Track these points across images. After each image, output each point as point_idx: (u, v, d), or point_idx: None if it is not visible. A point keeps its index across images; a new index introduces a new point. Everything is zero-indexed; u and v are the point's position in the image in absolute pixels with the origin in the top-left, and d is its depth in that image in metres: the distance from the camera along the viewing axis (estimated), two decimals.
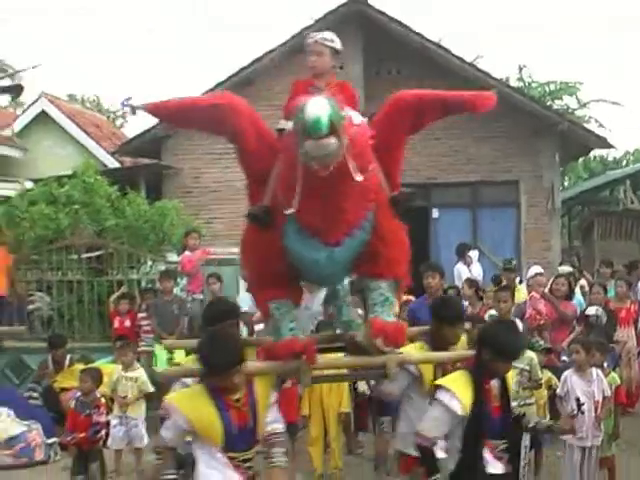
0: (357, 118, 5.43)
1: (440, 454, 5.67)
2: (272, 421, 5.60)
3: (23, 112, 26.30)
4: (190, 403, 5.34)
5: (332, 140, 4.95)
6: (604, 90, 67.26)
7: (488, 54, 65.21)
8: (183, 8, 74.80)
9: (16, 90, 7.75)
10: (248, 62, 19.97)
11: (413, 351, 6.33)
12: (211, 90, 19.31)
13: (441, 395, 5.75)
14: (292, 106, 5.16)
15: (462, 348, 6.57)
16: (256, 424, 5.40)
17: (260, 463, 5.64)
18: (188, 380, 5.86)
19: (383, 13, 19.54)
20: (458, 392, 5.69)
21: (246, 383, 5.40)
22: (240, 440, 5.34)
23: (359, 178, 5.18)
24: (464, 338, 6.77)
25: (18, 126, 24.86)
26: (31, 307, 15.33)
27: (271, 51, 19.84)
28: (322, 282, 6.47)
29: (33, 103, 25.37)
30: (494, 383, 5.82)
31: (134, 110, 6.52)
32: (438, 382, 5.92)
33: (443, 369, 6.40)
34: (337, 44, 6.41)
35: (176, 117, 5.96)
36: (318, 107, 4.94)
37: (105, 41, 72.92)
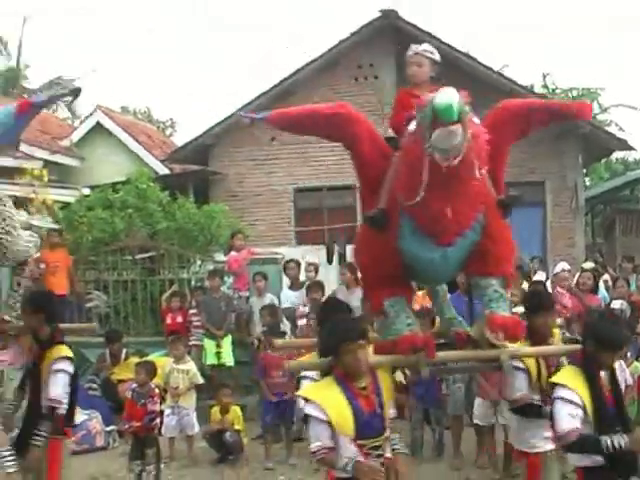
0: (476, 119, 5.33)
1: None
2: (394, 412, 5.56)
3: (80, 124, 26.56)
4: (322, 393, 5.23)
5: (460, 128, 4.86)
6: (624, 95, 66.52)
7: (510, 61, 64.32)
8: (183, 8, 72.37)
9: (74, 92, 7.77)
10: (289, 73, 20.04)
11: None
12: (255, 100, 19.44)
13: (561, 392, 5.58)
14: (419, 104, 5.05)
15: (557, 341, 6.56)
16: (383, 410, 5.28)
17: None
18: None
19: (414, 25, 19.52)
20: (575, 387, 5.54)
21: (370, 372, 5.33)
22: (369, 427, 5.20)
23: (479, 175, 5.13)
24: (558, 331, 6.75)
25: (76, 137, 25.06)
26: (89, 305, 15.45)
27: (311, 62, 19.90)
28: (435, 281, 6.43)
29: (89, 115, 25.63)
30: (603, 374, 5.67)
31: (253, 121, 6.65)
32: (553, 380, 5.78)
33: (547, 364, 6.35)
34: (436, 55, 6.34)
35: (295, 125, 6.05)
36: (449, 95, 4.86)
37: (159, 53, 72.66)
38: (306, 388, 5.73)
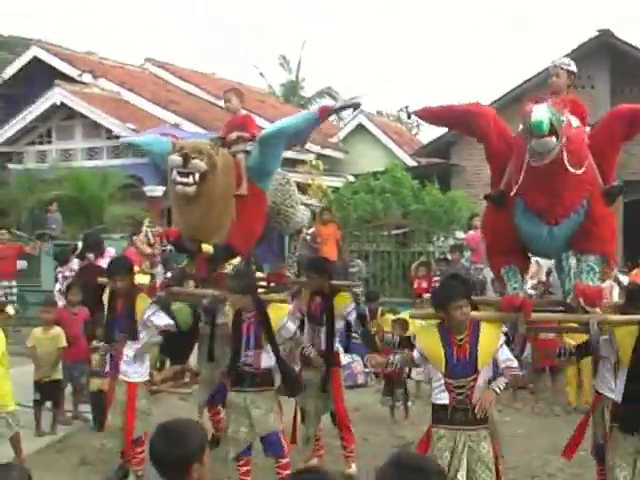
0: (575, 123, 5.42)
1: None
2: (505, 359, 5.51)
3: (345, 125, 27.12)
4: (426, 336, 5.52)
5: (551, 139, 5.04)
6: None
7: None
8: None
9: (356, 106, 8.02)
10: (519, 82, 19.55)
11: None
12: (491, 105, 19.09)
13: None
14: (523, 113, 5.19)
15: None
16: (475, 357, 5.34)
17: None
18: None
19: (627, 43, 18.56)
20: None
21: (472, 326, 5.40)
22: (457, 370, 5.34)
23: (573, 170, 5.21)
24: None
25: (342, 134, 25.64)
26: (352, 270, 15.80)
27: (537, 74, 19.31)
28: (544, 254, 6.40)
29: (353, 118, 26.10)
30: None
31: (409, 115, 6.76)
32: None
33: None
34: (572, 67, 6.25)
35: (437, 119, 6.30)
36: (540, 112, 5.01)
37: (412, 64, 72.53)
38: (420, 327, 6.04)
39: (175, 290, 7.24)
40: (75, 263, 12.26)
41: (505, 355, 5.55)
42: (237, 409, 6.45)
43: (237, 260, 8.37)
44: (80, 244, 12.43)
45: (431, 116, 6.26)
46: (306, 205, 8.73)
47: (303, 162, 19.80)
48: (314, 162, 19.52)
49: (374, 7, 71.75)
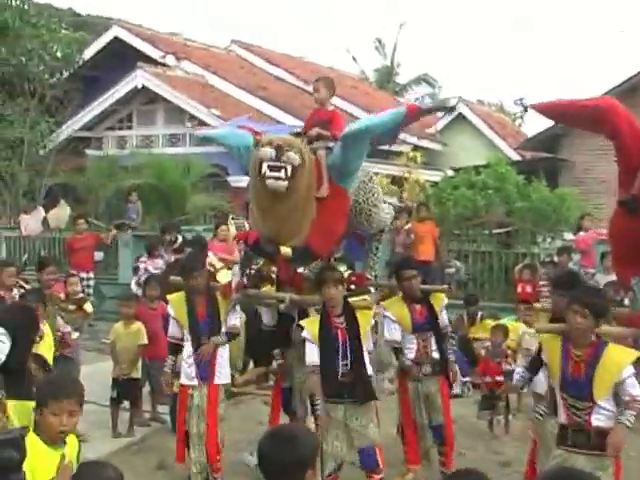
0: None
1: None
2: (629, 392, 5.16)
3: (443, 115, 26.89)
4: (550, 344, 5.46)
5: None
6: None
7: None
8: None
9: (449, 110, 8.00)
10: (634, 73, 19.05)
11: None
12: (606, 94, 18.65)
13: None
14: None
15: None
16: (591, 381, 5.16)
17: None
18: None
19: None
20: None
21: (595, 345, 5.22)
22: (572, 388, 5.22)
23: None
24: None
25: (440, 125, 25.45)
26: (448, 271, 15.67)
27: None
28: None
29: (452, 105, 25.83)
30: None
31: (525, 108, 6.55)
32: None
33: None
34: None
35: (558, 115, 6.19)
36: None
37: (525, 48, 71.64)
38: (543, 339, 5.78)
39: (252, 292, 7.36)
40: (159, 258, 12.53)
41: (629, 388, 5.19)
42: (334, 422, 6.48)
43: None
44: (180, 237, 12.67)
45: (551, 112, 6.08)
46: (388, 203, 8.71)
47: (399, 154, 19.73)
48: (411, 154, 19.43)
49: None
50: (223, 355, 7.05)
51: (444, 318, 7.52)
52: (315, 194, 6.76)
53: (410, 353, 7.28)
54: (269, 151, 6.42)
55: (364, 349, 6.54)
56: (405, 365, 7.28)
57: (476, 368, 10.87)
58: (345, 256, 8.52)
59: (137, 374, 8.84)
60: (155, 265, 12.63)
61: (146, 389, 9.32)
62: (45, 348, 6.55)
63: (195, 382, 6.98)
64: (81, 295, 9.50)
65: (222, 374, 7.05)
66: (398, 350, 7.32)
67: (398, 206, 14.83)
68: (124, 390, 8.72)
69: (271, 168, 6.40)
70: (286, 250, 6.76)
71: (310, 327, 6.63)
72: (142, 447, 8.47)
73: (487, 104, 38.06)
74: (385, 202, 8.31)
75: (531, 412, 7.04)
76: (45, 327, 6.65)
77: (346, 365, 6.42)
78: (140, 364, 8.89)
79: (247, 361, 10.62)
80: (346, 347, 6.45)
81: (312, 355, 6.53)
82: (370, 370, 6.61)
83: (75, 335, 8.78)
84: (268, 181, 6.43)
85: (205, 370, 6.96)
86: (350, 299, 6.80)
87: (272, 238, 6.82)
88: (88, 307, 9.16)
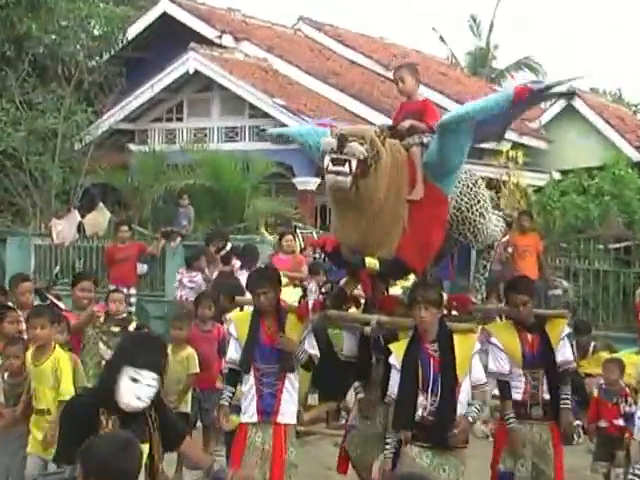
0: None
1: None
2: None
3: (550, 106, 26.58)
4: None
5: None
6: None
7: None
8: None
9: (570, 95, 7.89)
10: None
11: None
12: None
13: None
14: None
15: None
16: None
17: None
18: None
19: None
20: None
21: None
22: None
23: None
24: None
25: (545, 118, 25.16)
26: (554, 292, 15.48)
27: None
28: None
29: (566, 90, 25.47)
30: None
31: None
32: None
33: None
34: None
35: None
36: None
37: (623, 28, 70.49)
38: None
39: (333, 314, 7.28)
40: (198, 271, 12.66)
41: None
42: (414, 465, 6.38)
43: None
44: (228, 245, 12.77)
45: None
46: (501, 215, 8.62)
47: (496, 153, 19.58)
48: (511, 153, 19.26)
49: None
50: (290, 389, 7.03)
51: (565, 351, 7.36)
52: (407, 196, 6.74)
53: (516, 393, 7.16)
54: (330, 141, 6.46)
55: (461, 383, 6.45)
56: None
57: (586, 409, 10.72)
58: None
59: (186, 408, 8.86)
60: (192, 278, 12.74)
61: (198, 425, 9.35)
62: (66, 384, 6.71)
63: (255, 419, 6.98)
64: (125, 315, 9.57)
65: (288, 412, 7.02)
66: (505, 385, 7.19)
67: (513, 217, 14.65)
68: None
69: (333, 161, 6.42)
70: (372, 262, 6.74)
71: (399, 351, 6.60)
72: None
73: (602, 93, 37.60)
74: (495, 212, 8.25)
75: None
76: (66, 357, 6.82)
77: (435, 401, 6.38)
78: (190, 396, 8.92)
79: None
80: (437, 379, 6.40)
81: (395, 385, 6.55)
82: (463, 409, 6.50)
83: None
84: (328, 176, 6.48)
85: (269, 406, 6.95)
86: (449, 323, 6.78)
87: (355, 247, 6.81)
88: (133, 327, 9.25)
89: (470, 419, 6.59)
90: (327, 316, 7.23)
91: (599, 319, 14.94)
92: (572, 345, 11.83)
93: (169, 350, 8.78)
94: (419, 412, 6.39)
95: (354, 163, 6.37)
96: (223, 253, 12.54)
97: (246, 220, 17.46)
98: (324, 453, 9.46)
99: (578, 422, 11.24)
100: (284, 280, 11.87)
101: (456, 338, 6.54)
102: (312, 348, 7.13)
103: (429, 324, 6.45)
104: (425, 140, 6.92)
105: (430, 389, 6.39)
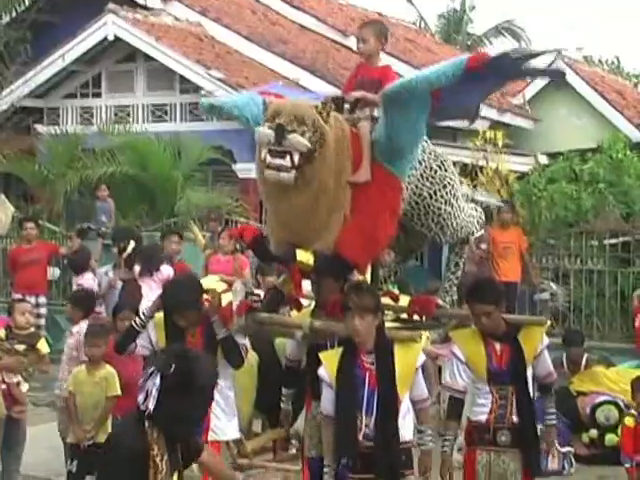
0: None
1: None
2: None
3: (535, 78, 26.69)
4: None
5: None
6: None
7: None
8: None
9: (556, 75, 7.85)
10: None
11: None
12: None
13: None
14: None
15: None
16: None
17: None
18: None
19: None
20: None
21: None
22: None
23: None
24: None
25: (530, 92, 25.28)
26: (540, 297, 15.63)
27: None
28: None
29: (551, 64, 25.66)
30: None
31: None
32: None
33: None
34: None
35: None
36: None
37: None
38: None
39: (261, 317, 7.31)
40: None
41: None
42: None
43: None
44: (132, 244, 12.73)
45: None
46: (478, 203, 8.67)
47: (471, 134, 19.67)
48: (489, 134, 19.36)
49: None
50: (222, 402, 7.14)
51: (546, 365, 7.34)
52: (350, 179, 6.79)
53: (481, 414, 7.11)
54: (267, 132, 6.47)
55: (401, 401, 6.47)
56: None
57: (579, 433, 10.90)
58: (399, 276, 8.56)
59: (105, 437, 8.87)
60: (85, 280, 12.68)
61: None
62: None
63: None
64: (33, 329, 9.55)
65: (227, 428, 7.11)
66: (457, 404, 7.18)
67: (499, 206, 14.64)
68: (87, 460, 8.59)
69: (272, 154, 6.46)
70: (305, 256, 6.80)
71: (330, 363, 6.56)
72: None
73: (598, 62, 37.84)
74: (470, 200, 8.30)
75: None
76: None
77: (370, 423, 6.39)
78: (110, 424, 8.94)
79: (262, 420, 10.70)
80: (372, 397, 6.39)
81: (326, 402, 6.53)
82: (408, 435, 6.52)
83: (25, 387, 8.89)
84: (268, 172, 6.52)
85: None
86: (390, 330, 6.80)
87: (290, 239, 6.86)
88: (43, 346, 9.22)
89: (425, 449, 6.72)
90: (256, 319, 7.28)
91: (593, 328, 15.09)
92: (563, 360, 12.06)
93: (83, 370, 8.88)
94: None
95: (296, 156, 6.43)
96: (125, 255, 12.49)
97: (178, 215, 17.45)
98: None
99: (569, 449, 11.40)
100: (222, 285, 11.99)
101: (397, 348, 6.53)
102: (242, 339, 7.37)
103: (364, 334, 6.40)
104: (377, 114, 6.96)
105: (365, 409, 6.38)
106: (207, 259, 13.34)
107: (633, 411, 9.28)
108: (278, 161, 6.43)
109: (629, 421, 9.07)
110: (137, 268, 12.13)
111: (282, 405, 7.76)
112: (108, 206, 17.46)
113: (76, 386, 8.78)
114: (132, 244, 12.68)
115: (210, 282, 11.73)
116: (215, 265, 12.67)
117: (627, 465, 8.87)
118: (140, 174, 18.40)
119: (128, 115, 21.09)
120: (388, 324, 7.14)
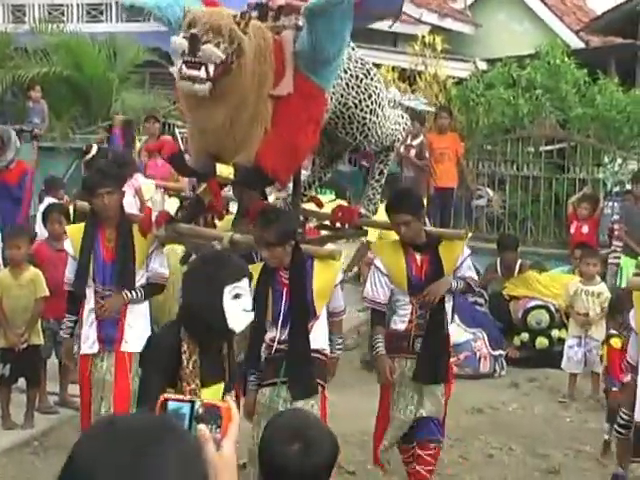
0: None
1: None
2: None
3: None
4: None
5: None
6: None
7: None
8: None
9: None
10: None
11: None
12: None
13: None
14: None
15: None
16: None
17: None
18: None
19: None
20: None
21: None
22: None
23: None
24: None
25: None
26: (477, 202, 15.71)
27: None
28: None
29: None
30: None
31: None
32: None
33: None
34: None
35: None
36: None
37: None
38: None
39: (181, 228, 7.24)
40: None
41: None
42: (269, 412, 6.35)
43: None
44: (95, 146, 12.61)
45: None
46: (405, 108, 8.62)
47: (410, 39, 19.55)
48: (428, 39, 19.22)
49: None
50: (136, 314, 7.10)
51: (465, 271, 7.40)
52: (271, 91, 6.66)
53: (401, 322, 7.22)
54: (181, 42, 6.30)
55: (319, 315, 6.61)
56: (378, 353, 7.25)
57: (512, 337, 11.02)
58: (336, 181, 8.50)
59: (38, 340, 8.76)
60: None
61: (52, 361, 9.29)
62: None
63: (95, 349, 7.05)
64: None
65: (133, 340, 7.05)
66: (379, 315, 7.32)
67: (426, 110, 14.53)
68: (19, 364, 8.64)
69: (187, 64, 6.31)
70: (225, 170, 6.72)
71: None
72: (46, 444, 8.43)
73: None
74: (396, 105, 8.23)
75: None
76: None
77: (283, 334, 6.53)
78: (40, 326, 8.85)
79: None
80: (287, 310, 6.54)
81: None
82: (320, 344, 6.64)
83: None
84: (182, 83, 6.39)
85: (110, 333, 7.03)
86: (308, 245, 6.87)
87: (211, 152, 6.77)
88: None
89: (332, 356, 6.85)
90: (177, 230, 7.20)
91: (528, 233, 15.20)
92: (497, 265, 12.13)
93: (7, 274, 8.76)
94: (271, 347, 6.52)
95: (211, 68, 6.27)
96: (89, 158, 12.45)
97: (113, 117, 17.22)
98: None
99: (501, 352, 11.52)
100: (160, 192, 11.90)
101: (317, 264, 6.64)
102: (162, 267, 7.23)
103: (275, 262, 6.50)
104: (301, 22, 6.77)
105: (282, 320, 6.50)
106: (144, 163, 13.18)
107: (613, 331, 8.90)
108: (193, 72, 6.26)
109: (615, 342, 8.71)
110: None
111: None
112: (41, 107, 17.15)
113: (2, 291, 8.70)
114: (95, 147, 12.63)
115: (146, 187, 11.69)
116: (152, 169, 12.49)
117: (614, 389, 8.51)
118: (74, 75, 18.08)
119: (62, 14, 20.76)
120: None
